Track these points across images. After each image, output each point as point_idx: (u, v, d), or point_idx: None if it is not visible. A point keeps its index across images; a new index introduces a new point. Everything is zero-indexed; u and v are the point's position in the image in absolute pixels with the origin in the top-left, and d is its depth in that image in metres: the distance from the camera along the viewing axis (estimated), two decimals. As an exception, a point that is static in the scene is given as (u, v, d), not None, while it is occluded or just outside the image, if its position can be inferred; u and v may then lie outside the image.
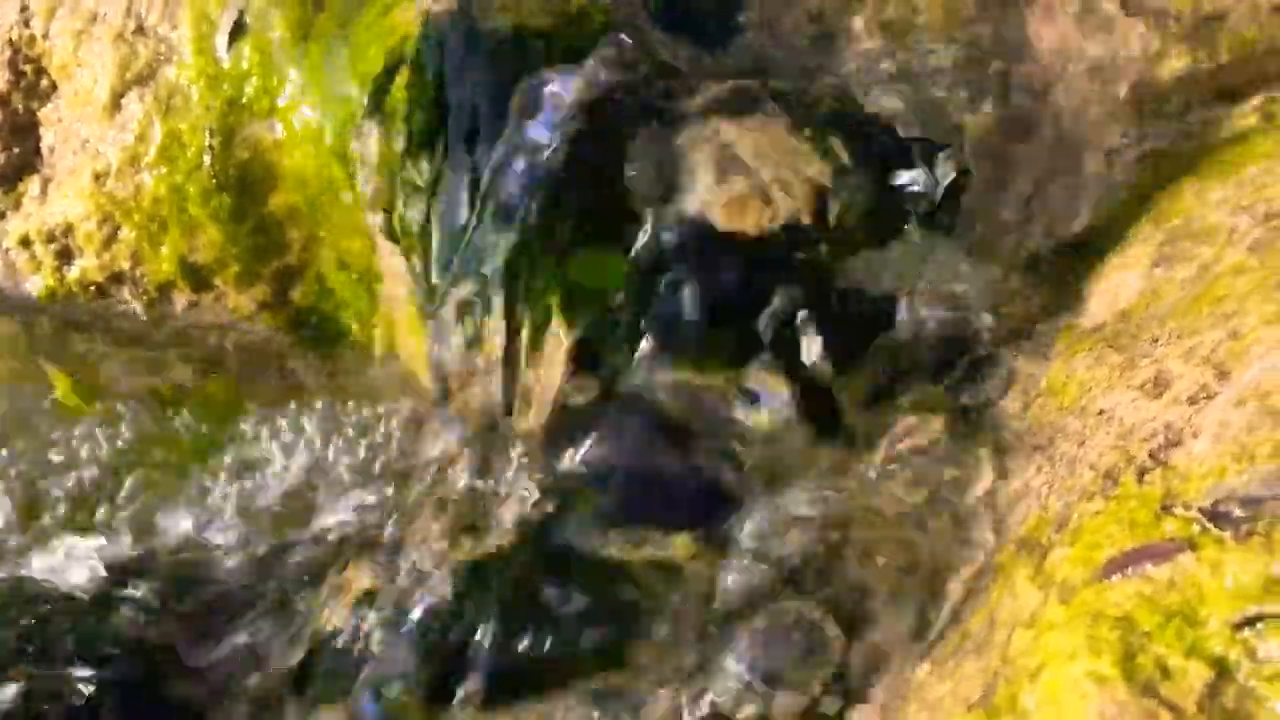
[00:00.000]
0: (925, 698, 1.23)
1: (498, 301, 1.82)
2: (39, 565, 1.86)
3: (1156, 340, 1.53)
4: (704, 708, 1.39)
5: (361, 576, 1.70)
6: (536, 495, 1.67)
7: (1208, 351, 1.43)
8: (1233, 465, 1.18)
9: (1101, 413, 1.48)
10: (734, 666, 1.40)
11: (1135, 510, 1.22)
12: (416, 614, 1.62)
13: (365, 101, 1.99)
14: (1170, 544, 1.13)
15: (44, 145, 2.25)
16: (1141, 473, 1.28)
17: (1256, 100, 1.91)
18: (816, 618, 1.37)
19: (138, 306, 2.21)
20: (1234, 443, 1.21)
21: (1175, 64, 1.95)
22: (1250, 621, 1.03)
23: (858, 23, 2.08)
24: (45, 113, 2.24)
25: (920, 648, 1.34)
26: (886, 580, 1.40)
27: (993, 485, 1.52)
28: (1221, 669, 1.02)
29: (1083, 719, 1.03)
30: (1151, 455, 1.30)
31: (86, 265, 2.18)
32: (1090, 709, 1.03)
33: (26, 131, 2.25)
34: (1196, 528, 1.13)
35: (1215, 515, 1.13)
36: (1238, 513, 1.11)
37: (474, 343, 1.83)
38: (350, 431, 2.05)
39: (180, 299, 2.19)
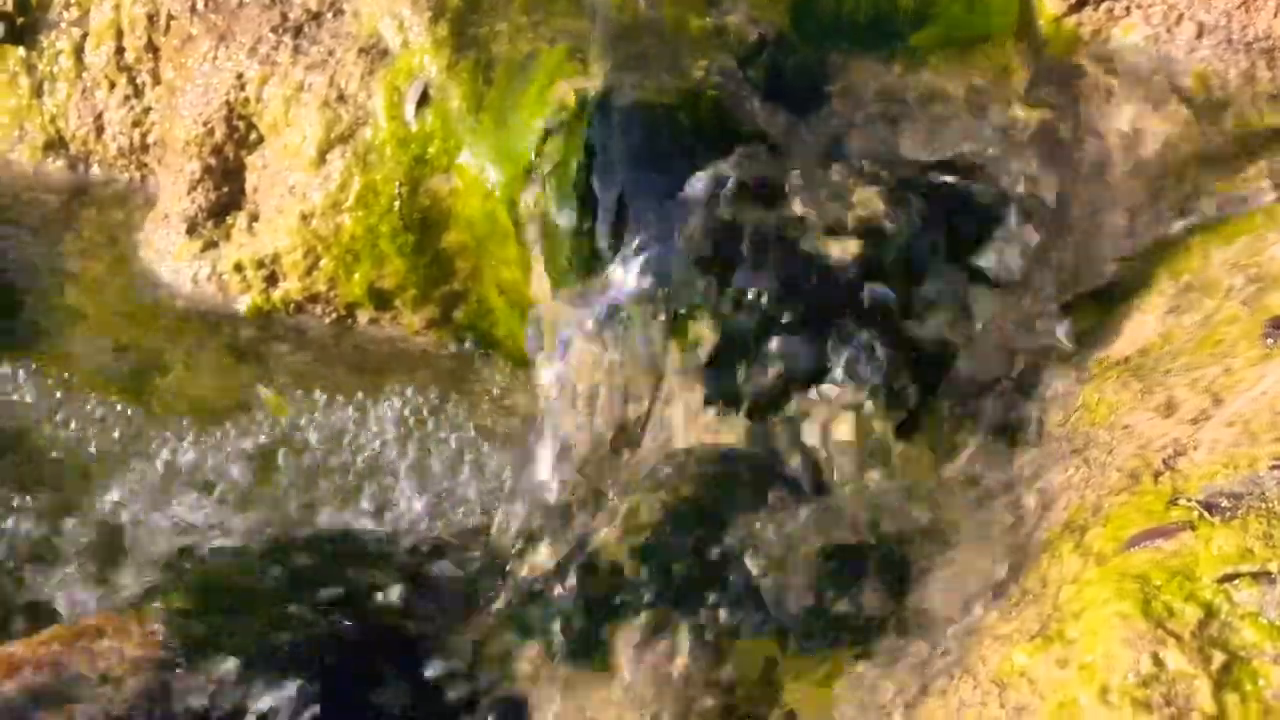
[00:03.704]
0: (995, 634, 1.70)
1: (637, 325, 2.29)
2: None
3: (1168, 372, 1.99)
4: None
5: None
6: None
7: (1207, 383, 1.89)
8: (1222, 470, 1.65)
9: (1125, 427, 1.94)
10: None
11: (1151, 502, 1.68)
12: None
13: (527, 160, 2.46)
14: (1176, 525, 1.59)
15: (248, 186, 2.72)
16: (1156, 475, 1.74)
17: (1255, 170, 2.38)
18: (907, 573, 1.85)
19: (326, 322, 2.69)
20: (1223, 454, 1.68)
21: (1193, 142, 2.42)
22: (1230, 578, 1.50)
23: (924, 100, 2.56)
24: (251, 160, 2.71)
25: (988, 601, 1.81)
26: (963, 551, 1.88)
27: (1041, 481, 1.99)
28: (1209, 610, 1.49)
29: (1111, 642, 1.49)
30: (1164, 462, 1.76)
31: (290, 287, 2.66)
32: (1117, 636, 1.49)
33: (235, 175, 2.73)
34: (1195, 514, 1.60)
35: (1209, 506, 1.59)
36: (1224, 504, 1.58)
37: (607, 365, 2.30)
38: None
39: (363, 316, 2.67)
